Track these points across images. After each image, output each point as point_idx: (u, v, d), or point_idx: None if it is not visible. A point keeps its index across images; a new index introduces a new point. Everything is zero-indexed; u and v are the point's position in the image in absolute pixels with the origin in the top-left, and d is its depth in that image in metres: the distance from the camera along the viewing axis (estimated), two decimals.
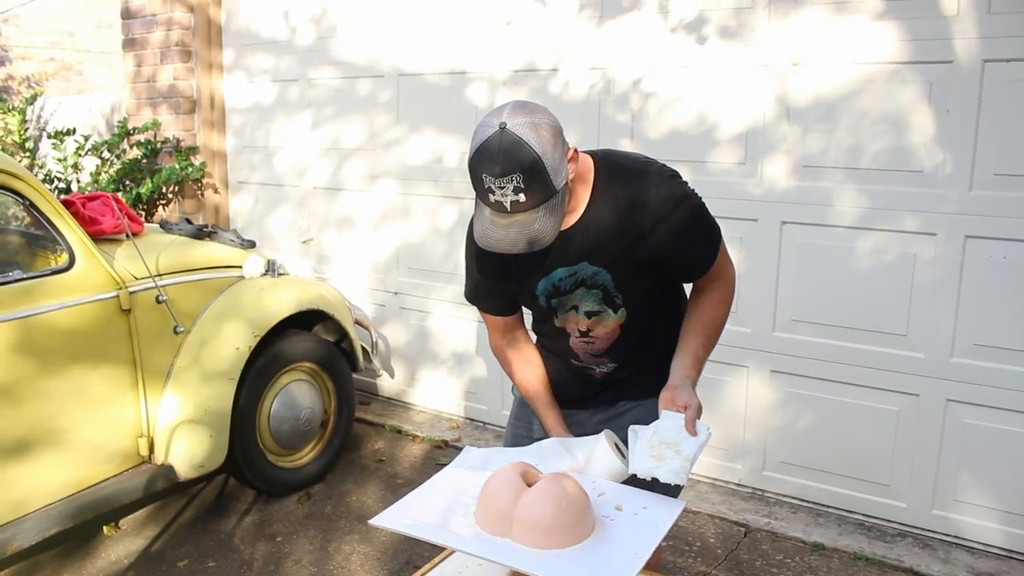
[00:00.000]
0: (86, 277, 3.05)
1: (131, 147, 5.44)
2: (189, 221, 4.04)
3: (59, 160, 5.38)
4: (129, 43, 5.53)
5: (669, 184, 1.83)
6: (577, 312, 1.95)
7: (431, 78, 4.36)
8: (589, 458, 1.84)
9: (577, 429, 2.09)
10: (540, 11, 3.95)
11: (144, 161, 5.31)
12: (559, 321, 2.00)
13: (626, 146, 3.68)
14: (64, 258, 3.02)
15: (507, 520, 1.58)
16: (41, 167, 5.70)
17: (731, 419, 3.65)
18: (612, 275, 1.87)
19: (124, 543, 3.39)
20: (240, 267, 3.75)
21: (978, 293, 3.07)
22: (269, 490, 3.72)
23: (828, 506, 3.49)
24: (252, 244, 3.98)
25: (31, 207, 2.95)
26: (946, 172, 3.06)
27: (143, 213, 5.33)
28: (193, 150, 5.30)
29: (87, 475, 3.08)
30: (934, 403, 3.20)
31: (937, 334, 3.16)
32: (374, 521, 1.66)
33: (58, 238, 3.01)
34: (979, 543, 3.19)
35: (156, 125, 5.36)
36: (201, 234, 3.83)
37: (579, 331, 1.98)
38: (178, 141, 5.32)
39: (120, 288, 3.14)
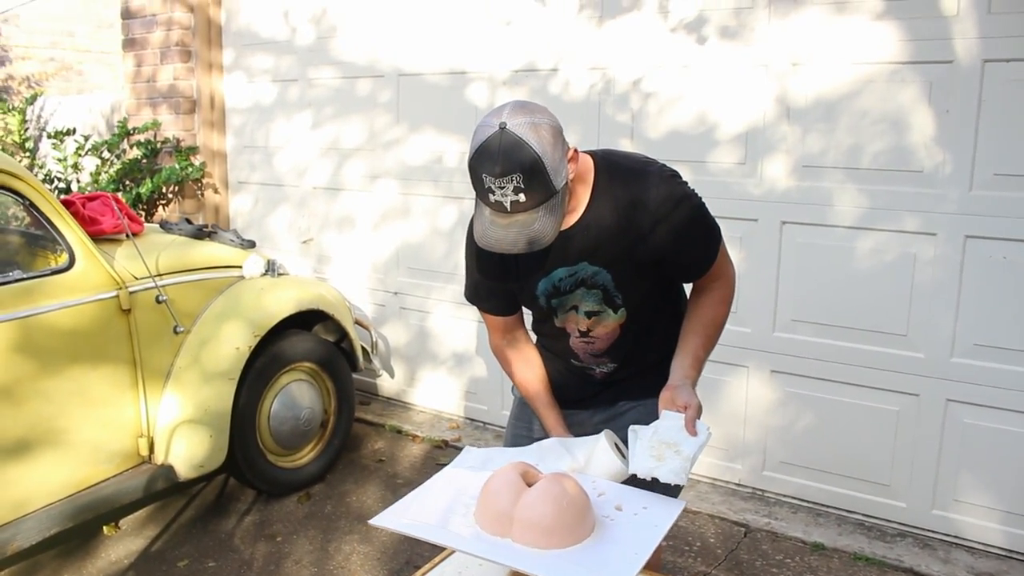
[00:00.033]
0: (86, 277, 3.05)
1: (131, 147, 5.44)
2: (189, 221, 4.04)
3: (59, 160, 5.39)
4: (129, 43, 5.53)
5: (669, 184, 1.83)
6: (577, 312, 1.95)
7: (431, 78, 4.36)
8: (589, 458, 1.84)
9: (577, 429, 2.09)
10: (540, 11, 3.95)
11: (144, 161, 5.31)
12: (559, 321, 1.99)
13: (626, 146, 3.68)
14: (64, 258, 3.02)
15: (507, 520, 1.58)
16: (41, 167, 5.70)
17: (731, 419, 3.65)
18: (612, 275, 1.87)
19: (124, 543, 3.39)
20: (240, 267, 3.75)
21: (978, 293, 3.07)
22: (269, 490, 3.72)
23: (828, 506, 3.49)
24: (252, 244, 3.98)
25: (31, 207, 2.95)
26: (946, 172, 3.06)
27: (143, 213, 5.33)
28: (193, 150, 5.30)
29: (87, 475, 3.08)
30: (934, 403, 3.20)
31: (937, 334, 3.16)
32: (374, 521, 1.66)
33: (58, 238, 3.01)
34: (979, 543, 3.19)
35: (156, 125, 5.36)
36: (201, 234, 3.83)
37: (579, 331, 1.98)
38: (178, 141, 5.32)
39: (120, 288, 3.14)
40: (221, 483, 3.87)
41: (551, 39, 3.92)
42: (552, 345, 2.10)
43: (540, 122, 1.63)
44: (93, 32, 10.99)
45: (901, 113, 3.13)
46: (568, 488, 1.60)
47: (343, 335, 4.02)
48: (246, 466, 3.56)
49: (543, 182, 1.62)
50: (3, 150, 5.44)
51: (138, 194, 5.12)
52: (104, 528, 3.44)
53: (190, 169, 5.21)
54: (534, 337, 2.18)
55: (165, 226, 3.89)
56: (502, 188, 1.61)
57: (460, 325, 4.46)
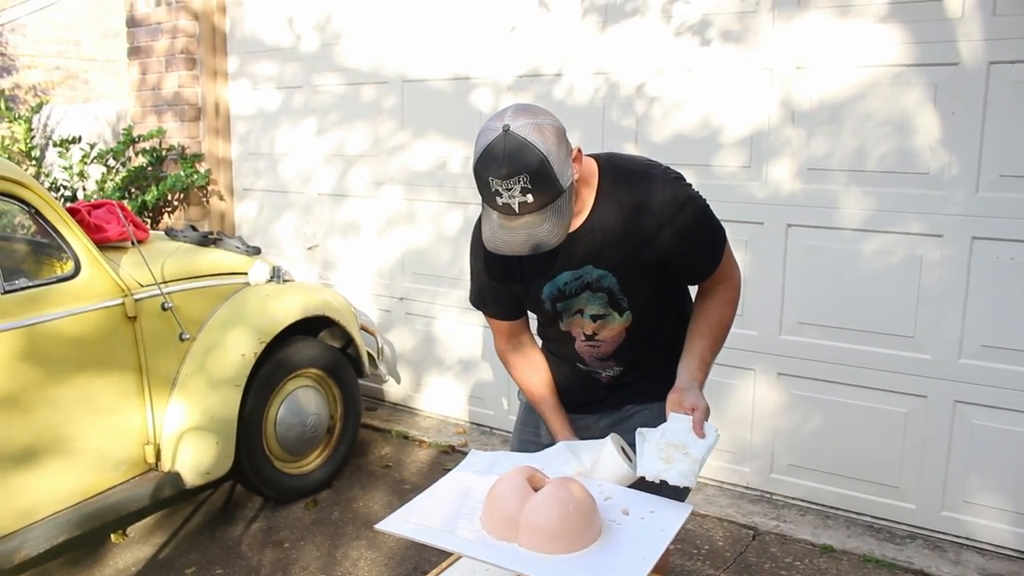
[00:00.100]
0: (92, 285, 3.05)
1: (136, 155, 5.45)
2: (194, 228, 4.05)
3: (65, 168, 5.40)
4: (134, 51, 5.55)
5: (673, 187, 1.83)
6: (582, 316, 1.95)
7: (435, 84, 4.37)
8: (596, 462, 1.84)
9: (583, 433, 2.08)
10: (544, 16, 3.95)
11: (149, 169, 5.32)
12: (564, 325, 1.99)
13: (631, 150, 3.68)
14: (70, 266, 3.03)
15: (513, 525, 1.58)
16: (47, 175, 5.71)
17: (739, 422, 3.64)
18: (617, 278, 1.87)
19: (131, 551, 3.39)
20: (245, 274, 3.75)
21: (985, 294, 3.06)
22: (276, 497, 3.72)
23: (837, 508, 3.48)
24: (257, 251, 3.98)
25: (37, 215, 2.96)
26: (952, 174, 3.06)
27: (149, 220, 5.33)
28: (198, 157, 5.31)
29: (94, 483, 3.08)
30: (942, 405, 3.19)
31: (944, 336, 3.15)
32: (380, 526, 1.66)
33: (64, 246, 3.01)
34: (990, 544, 3.17)
35: (161, 133, 5.38)
36: (206, 241, 3.83)
37: (584, 335, 1.98)
38: (183, 148, 5.33)
39: (126, 295, 3.14)
40: (228, 490, 3.87)
41: (555, 44, 3.93)
42: (557, 349, 2.09)
43: (543, 123, 1.63)
44: (99, 41, 11.04)
45: (906, 115, 3.12)
46: (574, 492, 1.60)
47: (349, 341, 4.02)
48: (253, 473, 3.56)
49: (550, 182, 1.61)
50: (9, 158, 5.45)
51: (143, 201, 5.13)
52: (111, 536, 3.45)
53: (195, 176, 5.22)
54: (539, 341, 2.18)
55: (170, 233, 3.89)
56: (509, 190, 1.60)
57: (466, 330, 4.46)
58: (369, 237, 4.79)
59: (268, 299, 3.64)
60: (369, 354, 4.14)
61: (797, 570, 3.15)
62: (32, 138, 5.83)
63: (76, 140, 5.43)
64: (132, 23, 5.53)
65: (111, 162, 5.43)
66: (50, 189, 5.41)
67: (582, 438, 2.04)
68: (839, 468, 3.45)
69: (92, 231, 3.22)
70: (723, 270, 1.93)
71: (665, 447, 1.73)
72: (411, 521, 1.67)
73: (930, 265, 3.14)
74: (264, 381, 3.55)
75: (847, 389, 3.38)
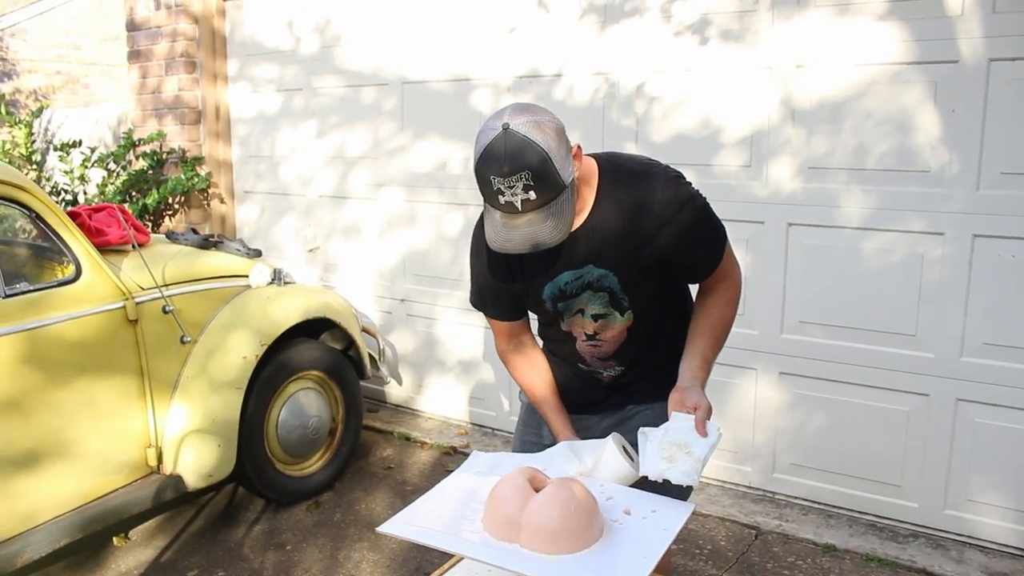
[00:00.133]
0: (93, 288, 3.05)
1: (137, 158, 5.46)
2: (195, 231, 4.05)
3: (66, 172, 5.40)
4: (134, 55, 5.56)
5: (673, 186, 1.83)
6: (583, 315, 1.95)
7: (435, 85, 4.37)
8: (597, 462, 1.84)
9: (585, 434, 2.08)
10: (543, 17, 3.95)
11: (150, 172, 5.32)
12: (565, 325, 1.99)
13: (631, 150, 3.67)
14: (71, 269, 3.03)
15: (515, 525, 1.58)
16: (48, 180, 5.72)
17: (740, 422, 3.63)
18: (618, 277, 1.87)
19: (134, 554, 3.39)
20: (246, 276, 3.76)
21: (987, 292, 3.06)
22: (278, 499, 3.72)
23: (839, 507, 3.48)
24: (258, 253, 3.99)
25: (37, 219, 2.96)
26: (953, 171, 3.05)
27: (150, 224, 5.34)
28: (199, 160, 5.32)
29: (96, 486, 3.08)
30: (944, 403, 3.19)
31: (946, 334, 3.15)
32: (381, 528, 1.66)
33: (64, 250, 3.01)
34: (993, 543, 3.17)
35: (161, 136, 5.38)
36: (207, 244, 3.83)
37: (586, 334, 1.98)
38: (184, 152, 5.34)
39: (127, 299, 3.14)
40: (230, 492, 3.87)
41: (554, 45, 3.93)
42: (559, 350, 2.09)
43: (543, 120, 1.63)
44: (99, 45, 11.06)
45: (906, 113, 3.12)
46: (576, 492, 1.59)
47: (350, 343, 4.02)
48: (255, 475, 3.56)
49: (552, 178, 1.61)
50: (10, 163, 5.46)
51: (144, 205, 5.13)
52: (114, 539, 3.44)
53: (196, 179, 5.22)
54: (540, 342, 2.17)
55: (171, 236, 3.89)
56: (512, 188, 1.60)
57: (467, 331, 4.46)
58: (370, 239, 4.79)
59: (269, 301, 3.64)
60: (370, 356, 4.14)
61: (800, 569, 3.14)
62: (33, 142, 5.83)
63: (77, 144, 5.44)
64: (132, 27, 5.54)
65: (112, 166, 5.44)
66: (51, 193, 5.42)
67: (583, 438, 2.03)
68: (841, 467, 3.44)
69: (93, 235, 3.22)
70: (724, 268, 1.93)
71: (668, 446, 1.73)
72: (412, 523, 1.67)
73: (931, 263, 3.14)
74: (265, 383, 3.55)
75: (849, 388, 3.38)
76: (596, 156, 1.89)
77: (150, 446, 3.26)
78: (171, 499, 3.28)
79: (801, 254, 3.41)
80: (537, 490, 1.63)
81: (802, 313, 3.44)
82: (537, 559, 1.54)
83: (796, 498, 3.58)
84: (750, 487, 3.69)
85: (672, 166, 1.88)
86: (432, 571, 1.85)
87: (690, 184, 1.86)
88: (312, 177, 4.99)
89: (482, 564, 1.68)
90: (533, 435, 2.19)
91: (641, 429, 1.80)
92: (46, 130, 6.86)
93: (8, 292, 2.83)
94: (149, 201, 5.12)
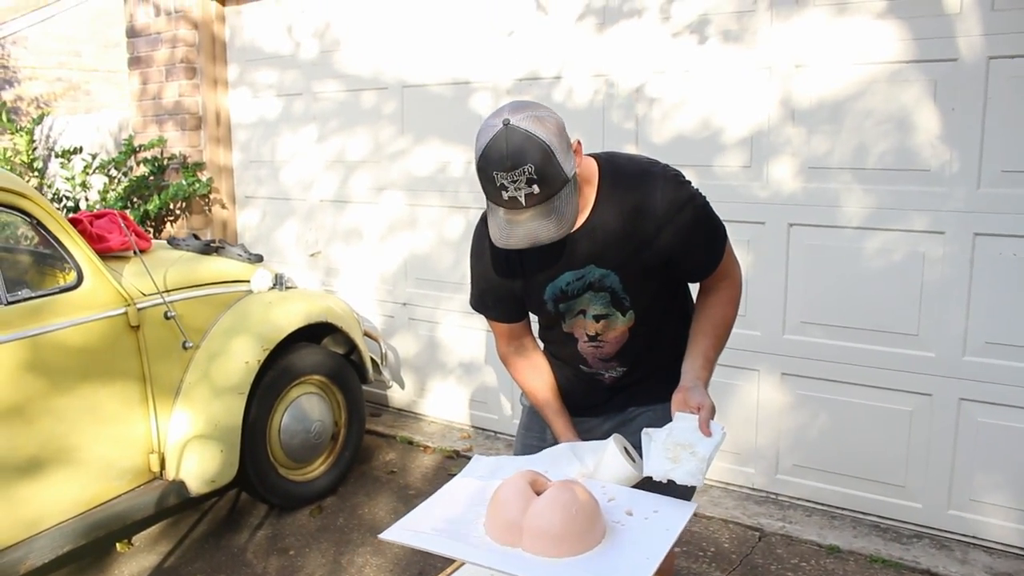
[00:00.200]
0: (94, 294, 3.05)
1: (138, 164, 5.47)
2: (196, 237, 4.05)
3: (67, 179, 5.41)
4: (135, 61, 5.57)
5: (673, 187, 1.83)
6: (585, 316, 1.94)
7: (435, 89, 4.37)
8: (598, 464, 1.83)
9: (587, 436, 2.08)
10: (542, 20, 3.95)
11: (151, 178, 5.33)
12: (567, 326, 1.99)
13: (631, 151, 3.67)
14: (72, 276, 3.03)
15: (517, 529, 1.57)
16: (50, 186, 5.73)
17: (743, 423, 3.63)
18: (620, 277, 1.87)
19: (137, 560, 3.39)
20: (248, 281, 3.75)
21: (988, 291, 3.05)
22: (281, 504, 3.72)
23: (843, 508, 3.47)
24: (259, 258, 3.99)
25: (39, 226, 2.96)
26: (953, 170, 3.05)
27: (151, 230, 5.35)
28: (199, 166, 5.32)
29: (99, 492, 3.08)
30: (947, 402, 3.18)
31: (948, 333, 3.14)
32: (384, 535, 1.65)
33: (66, 256, 3.02)
34: (997, 543, 3.16)
35: (162, 142, 5.39)
36: (208, 249, 3.83)
37: (587, 335, 1.98)
38: (184, 157, 5.34)
39: (128, 305, 3.14)
40: (233, 498, 3.87)
41: (553, 47, 3.93)
42: (560, 351, 2.09)
43: (542, 115, 1.64)
44: (100, 52, 11.08)
45: (906, 112, 3.11)
46: (578, 495, 1.59)
47: (352, 347, 4.02)
48: (258, 480, 3.56)
49: (555, 171, 1.62)
50: (12, 170, 5.47)
51: (146, 211, 5.14)
52: (117, 545, 3.44)
53: (197, 185, 5.23)
54: (541, 344, 2.17)
55: (173, 242, 3.90)
56: (515, 182, 1.61)
57: (469, 335, 4.46)
58: (371, 243, 4.80)
59: (271, 306, 3.64)
60: (372, 360, 4.14)
61: (804, 571, 3.14)
62: (34, 150, 5.85)
63: (78, 151, 5.45)
64: (132, 33, 5.55)
65: (113, 172, 5.45)
66: (52, 200, 5.43)
67: (585, 440, 2.03)
68: (844, 468, 3.44)
69: (94, 241, 3.22)
70: (724, 268, 1.93)
71: (672, 447, 1.73)
72: (414, 529, 1.66)
73: (932, 262, 3.14)
74: (268, 388, 3.55)
75: (851, 388, 3.37)
76: (596, 156, 1.89)
77: (153, 452, 3.26)
78: (174, 505, 3.28)
79: (802, 254, 3.40)
80: (539, 493, 1.63)
81: (804, 313, 3.44)
82: (539, 563, 1.53)
83: (799, 499, 3.57)
84: (753, 489, 3.68)
85: (672, 166, 1.88)
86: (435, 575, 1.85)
87: (690, 183, 1.86)
88: (313, 181, 5.00)
89: (484, 569, 1.68)
90: (535, 439, 2.18)
91: (645, 430, 1.80)
92: (47, 137, 6.88)
93: (10, 299, 2.83)
94: (150, 207, 5.13)
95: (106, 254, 3.24)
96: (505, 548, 1.58)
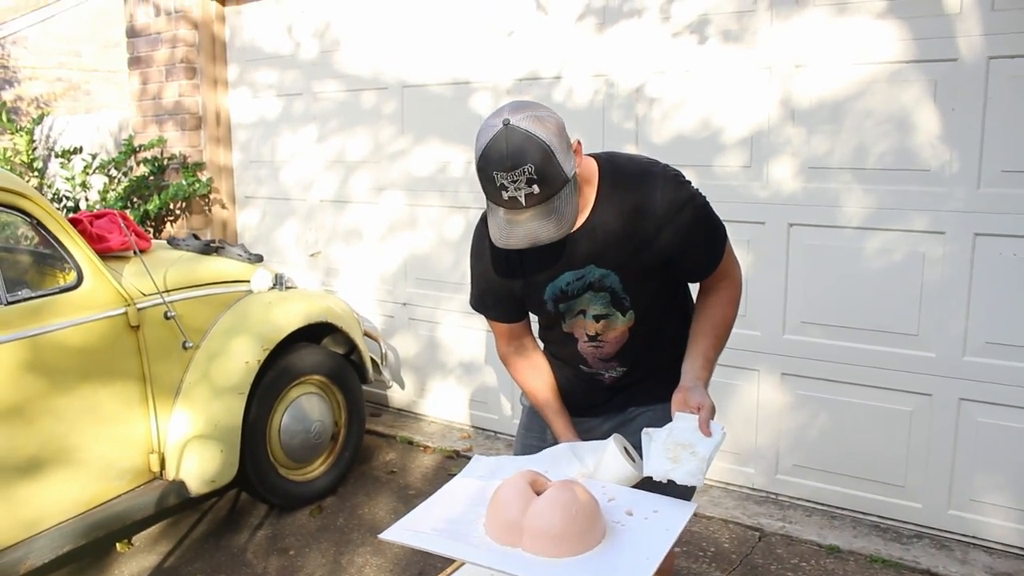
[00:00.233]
0: (94, 294, 3.05)
1: (138, 164, 5.47)
2: (196, 237, 4.05)
3: (67, 179, 5.42)
4: (135, 61, 5.57)
5: (673, 187, 1.83)
6: (585, 316, 1.94)
7: (435, 89, 4.37)
8: (598, 464, 1.83)
9: (587, 436, 2.08)
10: (542, 20, 3.95)
11: (151, 178, 5.33)
12: (567, 326, 1.99)
13: (631, 151, 3.67)
14: (72, 276, 3.03)
15: (517, 529, 1.57)
16: (50, 186, 5.73)
17: (743, 423, 3.63)
18: (620, 277, 1.87)
19: (137, 560, 3.39)
20: (248, 281, 3.75)
21: (989, 291, 3.05)
22: (281, 504, 3.72)
23: (843, 508, 3.47)
24: (259, 258, 3.99)
25: (38, 226, 2.96)
26: (953, 170, 3.05)
27: (151, 230, 5.35)
28: (199, 166, 5.32)
29: (99, 492, 3.08)
30: (947, 402, 3.18)
31: (948, 333, 3.14)
32: (384, 535, 1.65)
33: (66, 256, 3.02)
34: (997, 543, 3.16)
35: (162, 142, 5.39)
36: (208, 249, 3.83)
37: (587, 335, 1.98)
38: (184, 157, 5.34)
39: (128, 305, 3.14)
40: (233, 498, 3.87)
41: (553, 47, 3.93)
42: (560, 352, 2.09)
43: (542, 115, 1.64)
44: (100, 52, 11.08)
45: (906, 112, 3.11)
46: (577, 495, 1.59)
47: (352, 347, 4.02)
48: (257, 480, 3.56)
49: (555, 171, 1.62)
50: (12, 170, 5.47)
51: (146, 211, 5.14)
52: (117, 545, 3.44)
53: (197, 185, 5.23)
54: (541, 344, 2.17)
55: (173, 242, 3.90)
56: (515, 182, 1.61)
57: (469, 335, 4.46)
58: (371, 243, 4.80)
59: (271, 306, 3.64)
60: (373, 360, 4.14)
61: (804, 571, 3.14)
62: (34, 150, 5.85)
63: (78, 151, 5.45)
64: (132, 33, 5.55)
65: (113, 172, 5.45)
66: (52, 200, 5.43)
67: (585, 440, 2.03)
68: (844, 468, 3.44)
69: (94, 241, 3.22)
70: (724, 267, 1.93)
71: (672, 447, 1.73)
72: (414, 529, 1.66)
73: (933, 262, 3.14)
74: (268, 388, 3.55)
75: (851, 388, 3.37)
76: (596, 156, 1.89)
77: (153, 452, 3.26)
78: (174, 505, 3.28)
79: (802, 254, 3.40)
80: (539, 493, 1.63)
81: (804, 313, 3.44)
82: (539, 563, 1.53)
83: (799, 499, 3.57)
84: (753, 489, 3.68)
85: (672, 166, 1.88)
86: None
87: (690, 183, 1.86)
88: (313, 181, 5.00)
89: (484, 569, 1.68)
90: (535, 439, 2.18)
91: (645, 430, 1.80)
92: (47, 137, 6.88)
93: (10, 299, 2.83)
94: (150, 207, 5.13)
95: (106, 254, 3.24)
96: (505, 548, 1.58)
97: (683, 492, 1.79)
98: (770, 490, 3.64)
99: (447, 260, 4.48)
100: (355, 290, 4.90)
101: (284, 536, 3.54)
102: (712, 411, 1.77)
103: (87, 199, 5.51)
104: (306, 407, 3.74)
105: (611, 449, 1.82)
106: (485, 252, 1.95)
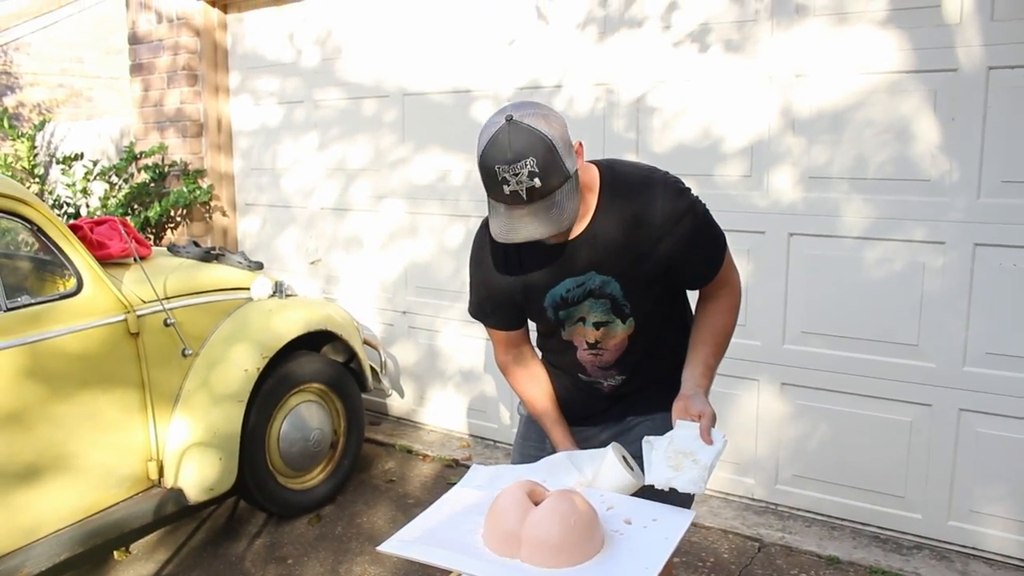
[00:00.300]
0: (94, 301, 3.05)
1: (139, 171, 5.47)
2: (197, 244, 4.05)
3: (68, 185, 5.42)
4: (136, 68, 5.58)
5: (673, 196, 1.83)
6: (585, 324, 1.94)
7: (436, 97, 4.38)
8: (597, 472, 1.83)
9: (585, 445, 2.08)
10: (543, 29, 3.96)
11: (152, 185, 5.34)
12: (566, 334, 1.99)
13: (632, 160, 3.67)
14: (72, 283, 3.03)
15: (515, 540, 1.57)
16: (51, 193, 5.73)
17: (743, 433, 3.62)
18: (621, 284, 1.87)
19: (135, 568, 3.38)
20: (248, 289, 3.75)
21: (988, 301, 3.05)
22: (279, 512, 3.71)
23: (842, 519, 3.46)
24: (260, 266, 3.99)
25: (39, 232, 2.96)
26: (953, 180, 3.05)
27: (152, 237, 5.35)
28: (200, 173, 5.33)
29: (97, 500, 3.07)
30: (947, 413, 3.17)
31: (948, 343, 3.14)
32: (382, 548, 1.65)
33: (66, 263, 3.02)
34: (997, 554, 3.15)
35: (163, 149, 5.40)
36: (209, 256, 3.83)
37: (587, 343, 1.98)
38: (185, 164, 5.35)
39: (128, 312, 3.14)
40: (231, 506, 3.86)
41: (554, 56, 3.93)
42: (558, 360, 2.09)
43: (546, 113, 1.66)
44: (102, 58, 11.11)
45: (906, 122, 3.12)
46: (576, 504, 1.59)
47: (352, 355, 4.01)
48: (256, 488, 3.55)
49: (557, 166, 1.62)
50: (13, 176, 5.48)
51: (146, 218, 5.14)
52: (114, 553, 3.43)
53: (198, 192, 5.23)
54: (540, 353, 2.17)
55: (173, 249, 3.90)
56: (517, 175, 1.61)
57: (469, 343, 4.45)
58: (371, 251, 4.80)
59: (271, 314, 3.64)
60: (372, 368, 4.13)
61: None
62: (35, 156, 5.85)
63: (79, 157, 5.45)
64: (134, 40, 5.56)
65: (114, 179, 5.45)
66: (53, 206, 5.43)
67: (583, 449, 2.03)
68: (844, 478, 3.43)
69: (94, 248, 3.23)
70: (724, 275, 1.93)
71: (673, 455, 1.73)
72: (412, 541, 1.66)
73: (933, 272, 3.13)
74: (267, 396, 3.54)
75: (851, 398, 3.36)
76: (597, 163, 1.89)
77: (151, 459, 3.25)
78: (172, 513, 3.27)
79: (802, 264, 3.40)
80: (537, 503, 1.62)
81: (804, 323, 3.43)
82: (538, 573, 1.53)
83: (799, 510, 3.56)
84: (753, 499, 3.68)
85: (672, 174, 1.89)
86: None
87: (690, 192, 1.86)
88: (313, 189, 5.00)
89: None
90: (533, 448, 2.18)
91: (646, 438, 1.80)
92: (49, 143, 6.89)
93: (9, 305, 2.83)
94: (151, 214, 5.13)
95: (106, 261, 3.25)
96: (503, 559, 1.57)
97: (682, 500, 1.79)
98: (770, 500, 3.63)
99: (447, 269, 4.47)
100: (355, 298, 4.89)
101: (282, 545, 3.53)
102: (713, 419, 1.77)
103: (88, 206, 5.51)
104: (305, 415, 3.73)
105: (609, 458, 1.82)
106: (485, 259, 1.95)
